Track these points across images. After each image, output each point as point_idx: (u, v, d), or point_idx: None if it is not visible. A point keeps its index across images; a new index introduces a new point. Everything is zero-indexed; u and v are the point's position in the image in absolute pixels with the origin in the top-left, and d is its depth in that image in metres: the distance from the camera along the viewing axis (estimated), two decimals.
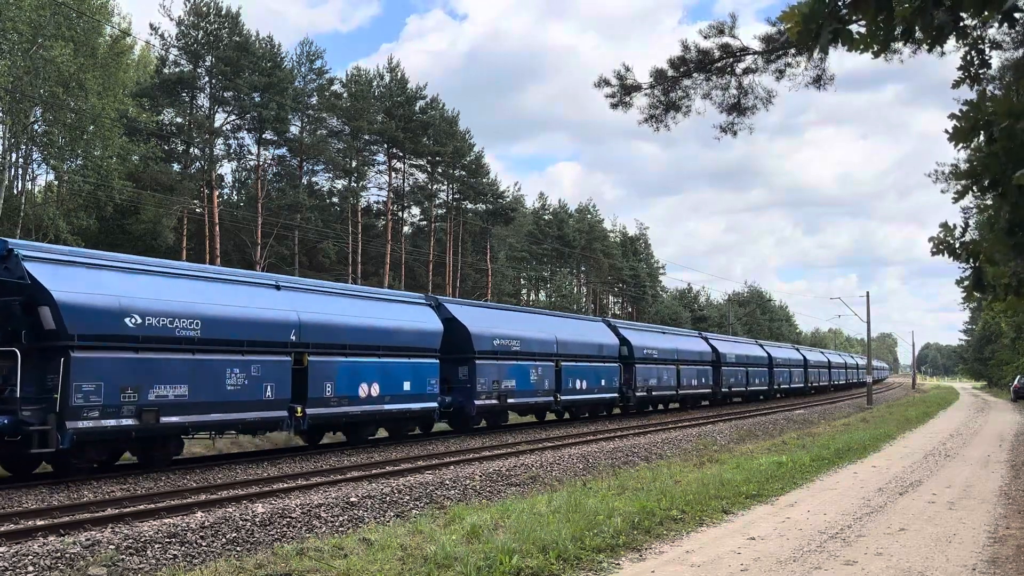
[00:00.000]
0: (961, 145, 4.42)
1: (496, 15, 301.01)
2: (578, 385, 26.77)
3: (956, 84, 6.14)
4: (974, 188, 4.54)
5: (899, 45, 8.16)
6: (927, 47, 4.11)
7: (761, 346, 47.83)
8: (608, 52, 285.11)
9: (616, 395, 29.33)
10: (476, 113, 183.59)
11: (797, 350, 56.51)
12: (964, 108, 4.33)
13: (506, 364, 23.10)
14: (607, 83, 12.00)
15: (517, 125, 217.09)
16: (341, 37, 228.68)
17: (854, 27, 3.82)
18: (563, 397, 25.89)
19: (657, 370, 32.41)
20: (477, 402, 21.71)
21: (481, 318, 23.22)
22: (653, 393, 31.99)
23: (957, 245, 5.06)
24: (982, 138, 4.33)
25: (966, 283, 5.09)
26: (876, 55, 4.01)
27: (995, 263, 4.95)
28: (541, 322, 26.79)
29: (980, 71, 6.33)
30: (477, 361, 21.78)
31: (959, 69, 6.28)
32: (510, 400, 23.22)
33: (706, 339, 40.17)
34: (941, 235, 5.10)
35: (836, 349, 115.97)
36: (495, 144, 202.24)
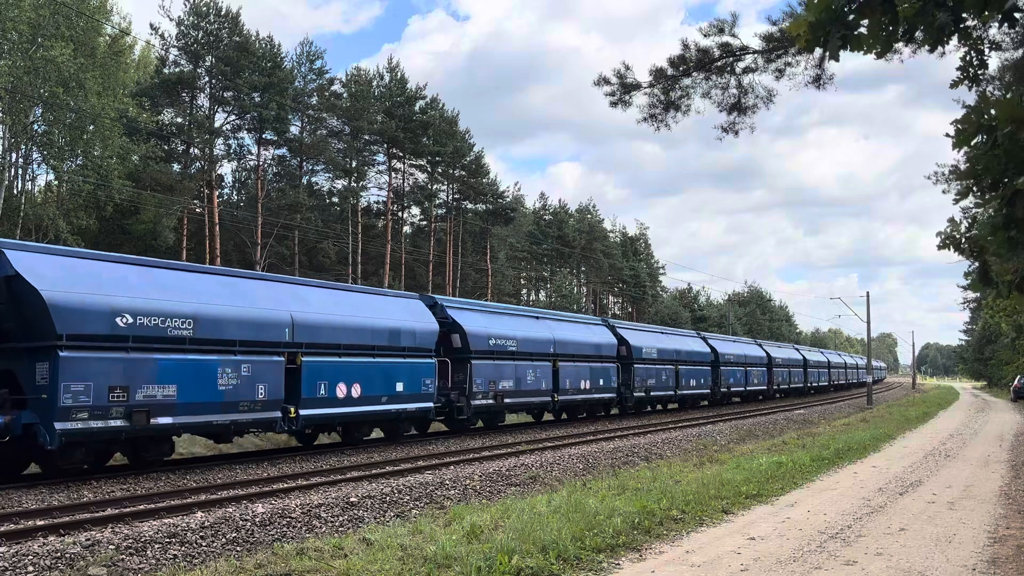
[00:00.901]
0: (964, 149, 4.44)
1: (498, 15, 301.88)
2: (341, 392, 17.24)
3: (955, 84, 6.15)
4: (975, 189, 4.55)
5: (900, 45, 8.17)
6: (928, 48, 4.11)
7: (704, 340, 40.09)
8: (610, 53, 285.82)
9: (430, 405, 20.10)
10: (478, 113, 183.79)
11: (760, 346, 48.43)
12: (966, 111, 4.33)
13: (143, 359, 13.47)
14: (607, 81, 12.04)
15: (519, 125, 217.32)
16: (343, 38, 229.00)
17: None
18: (305, 411, 16.37)
19: (517, 368, 23.53)
20: (62, 425, 12.29)
21: (81, 275, 13.29)
22: (506, 400, 23.07)
23: (963, 240, 5.11)
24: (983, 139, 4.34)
25: (973, 276, 5.16)
26: (879, 56, 4.02)
27: (1000, 256, 5.00)
28: (266, 292, 16.57)
29: (979, 71, 6.35)
30: (63, 353, 12.42)
31: (958, 70, 6.30)
32: (163, 420, 13.63)
33: (613, 328, 30.81)
34: (948, 230, 5.15)
35: (836, 349, 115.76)
36: (497, 144, 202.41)
